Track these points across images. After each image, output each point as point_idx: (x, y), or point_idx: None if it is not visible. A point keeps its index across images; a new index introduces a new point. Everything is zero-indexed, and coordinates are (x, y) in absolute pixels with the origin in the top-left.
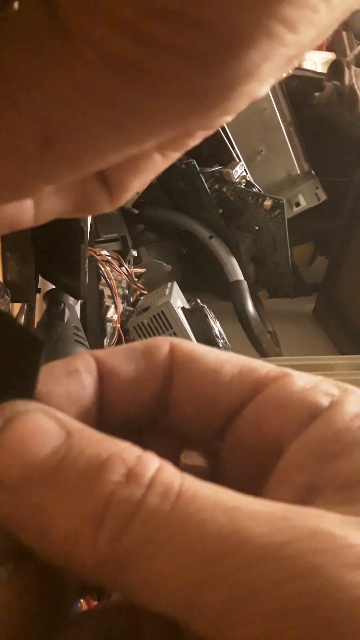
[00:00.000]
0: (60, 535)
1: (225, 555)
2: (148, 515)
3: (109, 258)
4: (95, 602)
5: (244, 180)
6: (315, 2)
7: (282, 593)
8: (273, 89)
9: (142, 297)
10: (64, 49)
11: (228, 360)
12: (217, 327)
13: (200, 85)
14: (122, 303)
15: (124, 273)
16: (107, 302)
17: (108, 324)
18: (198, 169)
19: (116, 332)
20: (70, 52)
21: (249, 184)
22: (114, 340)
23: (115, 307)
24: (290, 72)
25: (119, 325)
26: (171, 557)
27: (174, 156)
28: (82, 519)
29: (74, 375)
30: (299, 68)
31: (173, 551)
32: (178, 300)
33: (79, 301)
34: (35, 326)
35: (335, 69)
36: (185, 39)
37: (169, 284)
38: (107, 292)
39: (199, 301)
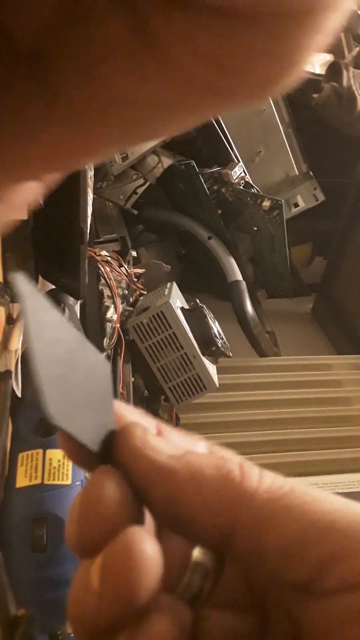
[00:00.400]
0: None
1: None
2: None
3: (109, 258)
4: None
5: (242, 181)
6: None
7: None
8: None
9: (141, 297)
10: (161, 73)
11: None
12: (216, 327)
13: (247, 99)
14: (122, 303)
15: (124, 273)
16: (107, 302)
17: (107, 324)
18: (197, 170)
19: (116, 332)
20: (167, 76)
21: (247, 184)
22: (113, 340)
23: (115, 307)
24: None
25: (118, 325)
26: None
27: None
28: None
29: None
30: None
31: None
32: (177, 301)
33: (79, 301)
34: None
35: (334, 70)
36: (253, 71)
37: (168, 284)
38: (106, 292)
39: (198, 301)
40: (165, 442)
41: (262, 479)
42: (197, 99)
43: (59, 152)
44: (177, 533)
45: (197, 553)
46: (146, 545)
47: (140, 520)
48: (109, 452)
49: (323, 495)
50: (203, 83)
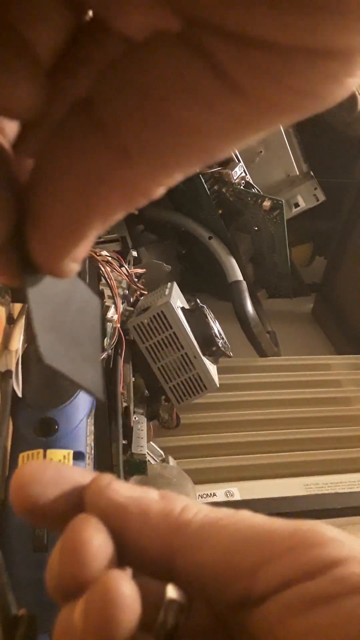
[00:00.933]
0: None
1: None
2: None
3: (109, 258)
4: None
5: (243, 181)
6: None
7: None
8: None
9: (142, 297)
10: (234, 103)
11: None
12: (216, 327)
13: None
14: (122, 303)
15: (124, 273)
16: (107, 302)
17: (108, 323)
18: (197, 170)
19: (116, 332)
20: (239, 105)
21: (248, 184)
22: (114, 340)
23: (116, 307)
24: None
25: (119, 325)
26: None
27: None
28: None
29: None
30: None
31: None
32: (178, 301)
33: None
34: None
35: None
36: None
37: (169, 284)
38: (107, 292)
39: (198, 301)
40: (126, 486)
41: (199, 512)
42: (270, 121)
43: (136, 190)
44: (133, 566)
45: (170, 591)
46: (125, 585)
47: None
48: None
49: (249, 515)
50: (279, 107)
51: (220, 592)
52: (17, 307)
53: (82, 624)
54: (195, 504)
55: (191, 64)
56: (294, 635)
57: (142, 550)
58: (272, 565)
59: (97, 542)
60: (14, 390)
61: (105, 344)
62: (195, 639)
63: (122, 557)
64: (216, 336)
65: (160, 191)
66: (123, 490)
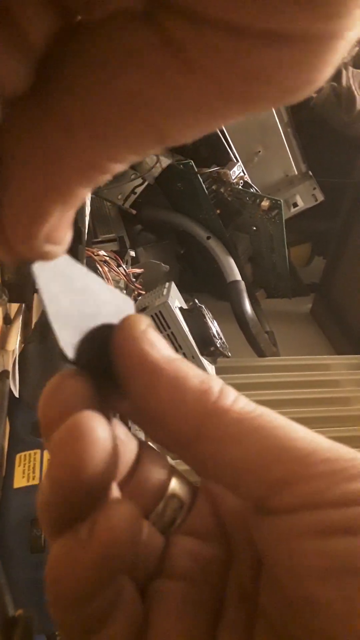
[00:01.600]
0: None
1: None
2: None
3: (107, 258)
4: None
5: (241, 181)
6: None
7: None
8: None
9: (140, 297)
10: (187, 81)
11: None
12: (214, 327)
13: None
14: None
15: (122, 273)
16: None
17: None
18: (196, 170)
19: None
20: (191, 83)
21: (246, 184)
22: None
23: None
24: None
25: None
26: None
27: None
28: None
29: None
30: None
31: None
32: (176, 301)
33: None
34: (32, 326)
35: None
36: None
37: (167, 284)
38: None
39: (196, 301)
40: (163, 342)
41: (237, 401)
42: (224, 105)
43: (89, 159)
44: (142, 426)
45: (174, 484)
46: (96, 424)
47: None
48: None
49: (290, 423)
50: (232, 90)
51: (237, 487)
52: (14, 307)
53: (48, 462)
54: (231, 389)
55: (146, 39)
56: (302, 556)
57: (166, 421)
58: (304, 485)
59: (74, 386)
60: (11, 391)
61: None
62: (190, 537)
63: (140, 418)
64: (214, 336)
65: (117, 168)
66: (161, 345)
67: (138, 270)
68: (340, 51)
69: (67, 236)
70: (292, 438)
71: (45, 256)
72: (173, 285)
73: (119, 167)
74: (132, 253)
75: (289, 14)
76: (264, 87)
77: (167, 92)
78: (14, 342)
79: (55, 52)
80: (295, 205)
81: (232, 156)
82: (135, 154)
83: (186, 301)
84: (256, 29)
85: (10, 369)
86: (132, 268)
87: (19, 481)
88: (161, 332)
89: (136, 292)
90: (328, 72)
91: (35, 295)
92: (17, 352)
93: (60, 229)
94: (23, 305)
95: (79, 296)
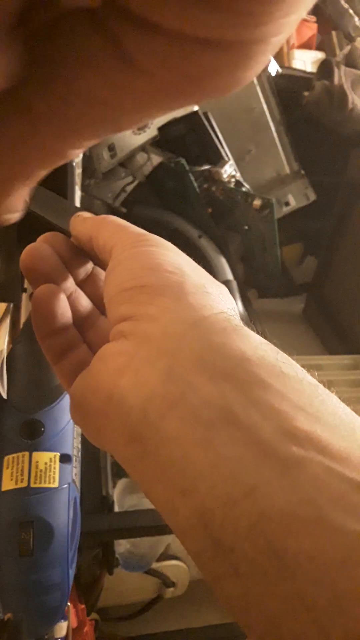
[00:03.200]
0: None
1: None
2: None
3: None
4: (83, 606)
5: (233, 179)
6: None
7: None
8: (262, 88)
9: None
10: (136, 82)
11: None
12: None
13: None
14: None
15: None
16: None
17: None
18: (187, 168)
19: None
20: (140, 84)
21: (238, 183)
22: None
23: None
24: (280, 70)
25: None
26: None
27: None
28: None
29: None
30: (289, 67)
31: None
32: None
33: None
34: (21, 326)
35: (325, 68)
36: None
37: None
38: None
39: None
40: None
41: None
42: (169, 100)
43: (47, 147)
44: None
45: None
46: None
47: None
48: None
49: (161, 256)
50: (175, 89)
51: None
52: (2, 306)
53: None
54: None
55: (99, 45)
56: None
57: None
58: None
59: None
60: None
61: None
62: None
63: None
64: None
65: (75, 153)
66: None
67: None
68: (268, 53)
69: (23, 205)
70: (146, 266)
71: (4, 222)
72: None
73: (79, 152)
74: None
75: (221, 24)
76: (202, 85)
77: (118, 92)
78: (2, 342)
79: (27, 54)
80: (287, 204)
81: (224, 155)
82: (93, 141)
83: None
84: (195, 36)
85: None
86: None
87: (7, 484)
88: None
89: None
90: (257, 70)
91: (23, 294)
92: (4, 353)
93: (19, 200)
94: (11, 305)
95: None
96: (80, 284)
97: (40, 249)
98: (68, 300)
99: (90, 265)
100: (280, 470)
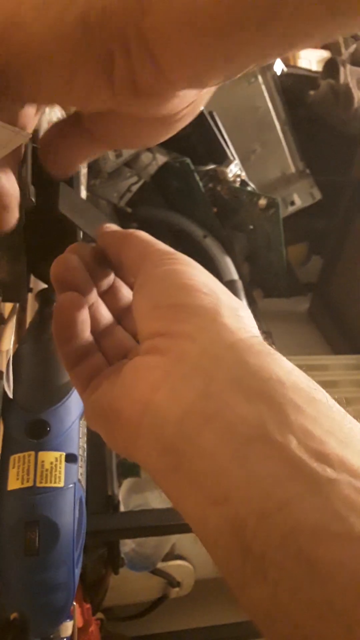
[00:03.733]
0: None
1: None
2: None
3: None
4: (88, 605)
5: (238, 179)
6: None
7: None
8: (268, 87)
9: None
10: (94, 145)
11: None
12: None
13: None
14: None
15: None
16: None
17: None
18: (192, 168)
19: None
20: (97, 145)
21: (243, 182)
22: None
23: None
24: (286, 69)
25: None
26: None
27: None
28: None
29: None
30: (294, 66)
31: None
32: None
33: None
34: (27, 326)
35: (331, 67)
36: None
37: None
38: None
39: None
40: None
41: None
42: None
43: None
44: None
45: None
46: (76, 304)
47: None
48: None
49: (192, 277)
50: (120, 137)
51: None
52: (8, 306)
53: None
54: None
55: (73, 126)
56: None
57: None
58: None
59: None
60: (4, 392)
61: None
62: None
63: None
64: None
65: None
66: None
67: None
68: (178, 104)
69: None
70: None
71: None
72: None
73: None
74: None
75: (137, 103)
76: (137, 136)
77: (112, 135)
78: (8, 342)
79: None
80: (292, 203)
81: (229, 154)
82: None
83: None
84: (126, 112)
85: (4, 369)
86: None
87: (13, 483)
88: None
89: None
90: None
91: (29, 294)
92: (10, 353)
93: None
94: (17, 305)
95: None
96: (101, 294)
97: (70, 260)
98: (89, 310)
99: (112, 277)
100: (314, 488)
